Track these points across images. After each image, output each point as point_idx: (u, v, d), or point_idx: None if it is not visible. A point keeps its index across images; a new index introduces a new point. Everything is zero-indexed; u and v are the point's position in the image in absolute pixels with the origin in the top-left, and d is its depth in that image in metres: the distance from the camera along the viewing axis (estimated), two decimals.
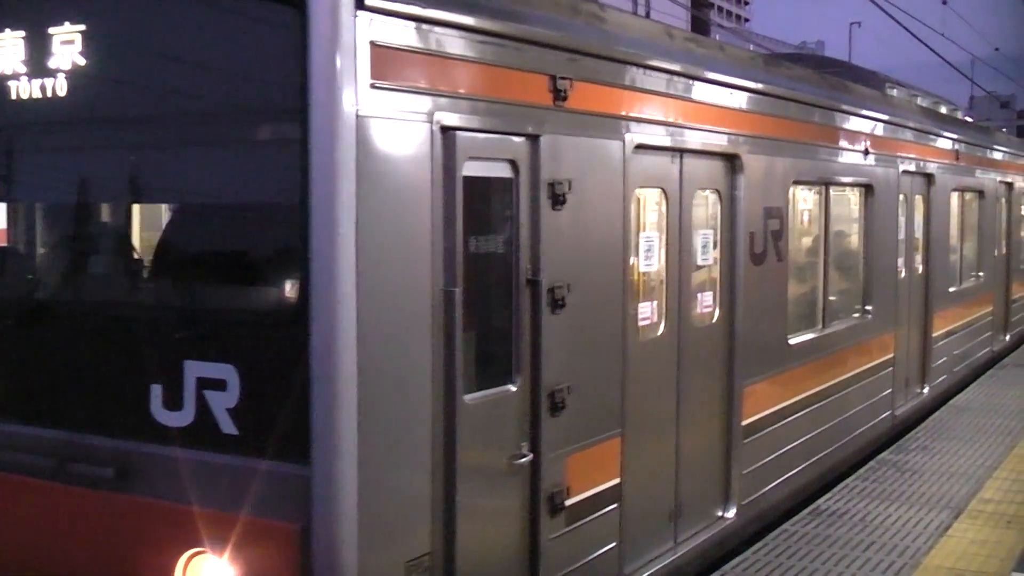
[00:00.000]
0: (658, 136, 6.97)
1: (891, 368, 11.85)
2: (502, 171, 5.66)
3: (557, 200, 5.92)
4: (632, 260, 6.79)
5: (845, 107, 10.36)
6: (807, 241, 10.21)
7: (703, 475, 7.81)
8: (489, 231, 5.69)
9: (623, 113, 6.56)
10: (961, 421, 12.58)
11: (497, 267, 5.74)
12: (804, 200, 10.01)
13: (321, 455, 4.67)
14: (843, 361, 10.34)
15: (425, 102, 5.05)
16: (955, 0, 41.45)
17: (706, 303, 7.88)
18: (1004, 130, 39.27)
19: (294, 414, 4.71)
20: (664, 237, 7.27)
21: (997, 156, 17.69)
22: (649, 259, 7.12)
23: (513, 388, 5.72)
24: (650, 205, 7.27)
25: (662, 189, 7.23)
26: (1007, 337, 18.52)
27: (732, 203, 8.06)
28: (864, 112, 10.93)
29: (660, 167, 7.16)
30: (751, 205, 8.25)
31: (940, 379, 13.96)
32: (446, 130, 5.15)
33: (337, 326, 4.62)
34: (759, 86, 8.39)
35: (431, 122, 5.06)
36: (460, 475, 5.26)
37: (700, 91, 7.51)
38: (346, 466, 4.67)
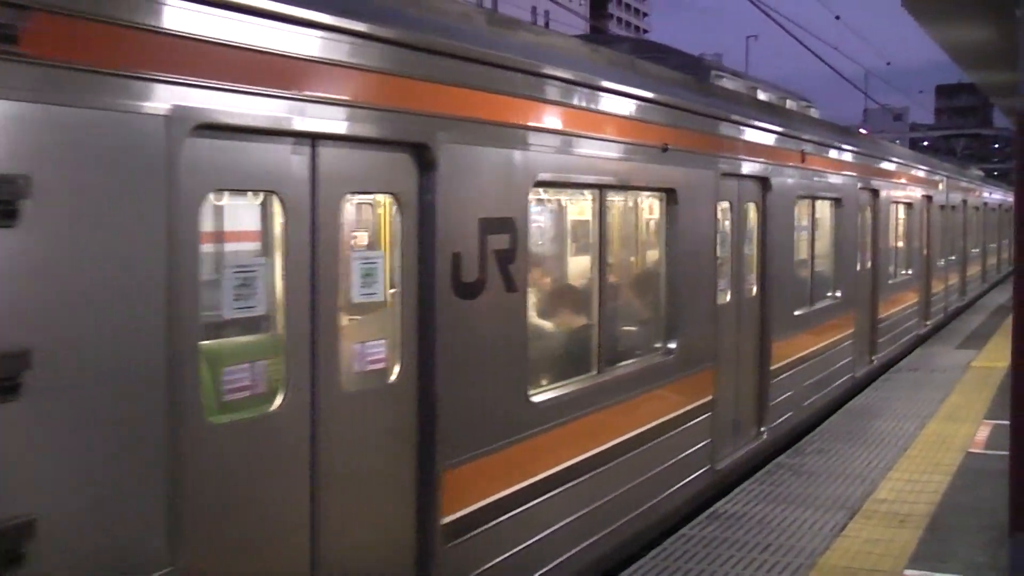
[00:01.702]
0: (258, 112, 4.58)
1: (709, 413, 9.66)
2: None
3: (2, 212, 3.53)
4: (196, 303, 4.39)
5: (626, 89, 8.05)
6: (569, 262, 7.91)
7: None
8: None
9: (167, 74, 4.15)
10: (856, 425, 12.73)
11: None
12: (561, 208, 7.71)
13: None
14: (629, 414, 8.05)
15: None
16: (848, 15, 41.01)
17: (373, 356, 5.51)
18: (897, 142, 38.09)
19: None
20: (283, 265, 4.90)
21: (860, 160, 15.67)
22: (245, 299, 4.71)
23: None
24: (251, 217, 4.88)
25: (275, 193, 4.86)
26: (874, 360, 16.58)
27: (422, 213, 5.71)
28: (660, 98, 8.68)
29: (268, 160, 4.77)
30: (456, 215, 5.92)
31: (783, 418, 11.85)
32: None
33: None
34: (464, 49, 6.05)
35: None
36: None
37: (351, 50, 5.15)
38: None
